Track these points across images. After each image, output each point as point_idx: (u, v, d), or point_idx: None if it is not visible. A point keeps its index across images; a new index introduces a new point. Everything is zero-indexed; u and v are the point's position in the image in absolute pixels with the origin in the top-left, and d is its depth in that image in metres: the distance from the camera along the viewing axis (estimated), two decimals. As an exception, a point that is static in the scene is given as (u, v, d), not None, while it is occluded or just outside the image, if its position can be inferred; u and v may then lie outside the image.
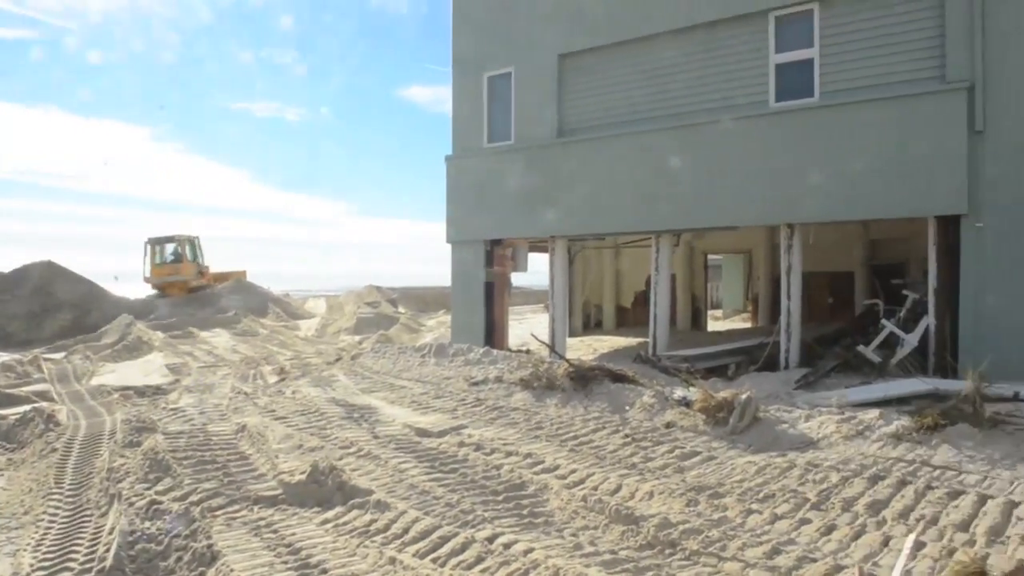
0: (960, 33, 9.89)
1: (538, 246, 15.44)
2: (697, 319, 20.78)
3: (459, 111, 15.22)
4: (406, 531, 4.99)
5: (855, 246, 17.80)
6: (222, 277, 34.41)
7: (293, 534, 5.10)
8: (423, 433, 7.81)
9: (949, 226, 10.07)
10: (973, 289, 9.81)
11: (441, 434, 7.75)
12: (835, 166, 10.74)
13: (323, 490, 5.82)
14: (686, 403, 7.98)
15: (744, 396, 7.40)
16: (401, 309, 31.12)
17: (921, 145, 10.10)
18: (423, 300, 34.63)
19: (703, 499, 5.40)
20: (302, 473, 6.01)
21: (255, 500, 5.79)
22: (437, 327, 23.90)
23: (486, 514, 5.24)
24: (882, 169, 10.37)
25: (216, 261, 35.67)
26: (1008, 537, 4.54)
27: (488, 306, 14.71)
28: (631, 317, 20.81)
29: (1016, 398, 7.63)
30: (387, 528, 5.08)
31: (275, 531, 5.17)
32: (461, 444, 7.27)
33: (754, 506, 5.24)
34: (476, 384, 10.30)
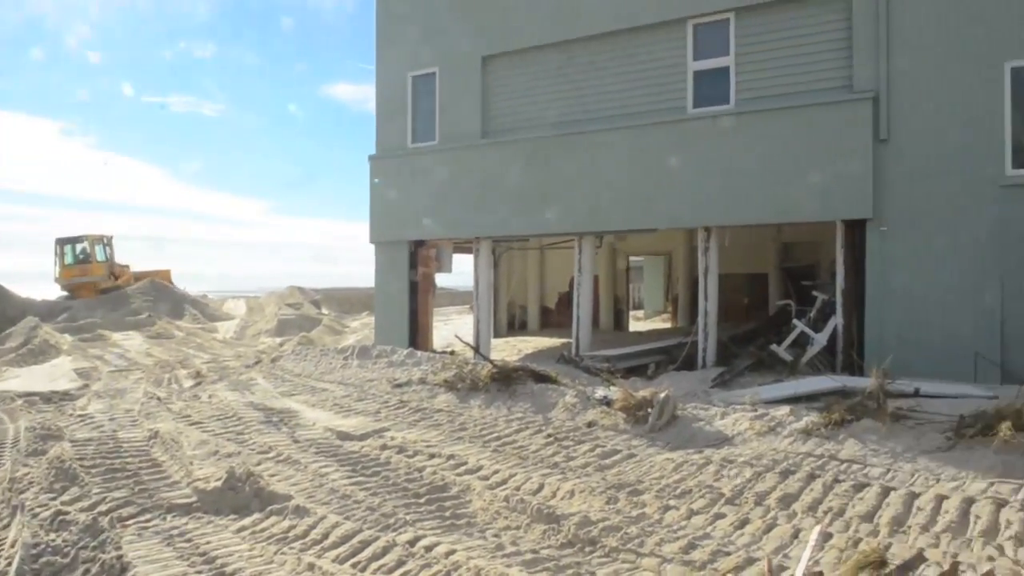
0: (866, 46, 10.36)
1: (463, 247, 15.43)
2: (619, 320, 21.13)
3: (383, 110, 15.09)
4: (326, 536, 4.92)
5: (769, 249, 18.41)
6: (144, 277, 33.12)
7: (208, 543, 4.96)
8: (345, 436, 7.71)
9: (855, 230, 10.54)
10: (877, 290, 10.29)
11: (363, 437, 7.67)
12: (750, 171, 11.10)
13: (240, 497, 5.68)
14: (607, 402, 8.11)
15: (663, 395, 7.58)
16: (324, 310, 30.59)
17: (830, 152, 10.54)
18: (347, 301, 34.12)
19: (623, 496, 5.50)
20: (218, 480, 5.85)
21: (168, 508, 5.61)
22: (361, 329, 23.60)
23: (408, 517, 5.21)
24: (794, 175, 10.77)
25: (137, 261, 34.37)
26: (909, 527, 4.78)
27: (412, 307, 14.63)
28: (555, 318, 21.00)
29: (917, 394, 8.06)
30: (306, 534, 5.00)
31: (189, 540, 5.02)
32: (384, 447, 7.21)
33: (672, 502, 5.37)
34: (400, 386, 10.24)
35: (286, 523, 5.18)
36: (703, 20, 11.66)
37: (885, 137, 10.22)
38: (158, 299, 30.36)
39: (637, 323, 23.68)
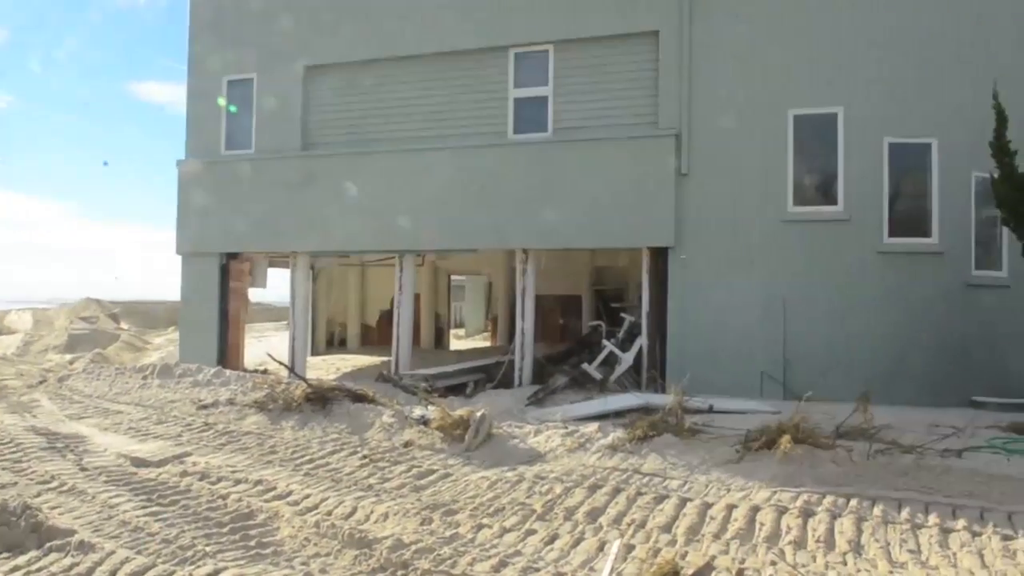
0: (670, 87, 11.18)
1: (279, 261, 14.86)
2: (440, 338, 21.21)
3: (195, 114, 14.26)
4: (113, 573, 4.50)
5: (583, 272, 19.23)
6: None
7: (-31, 588, 4.39)
8: (140, 463, 7.13)
9: (659, 257, 11.28)
10: (677, 313, 11.05)
11: (161, 463, 7.13)
12: (565, 198, 11.58)
13: (14, 533, 5.08)
14: (424, 422, 8.08)
15: (479, 414, 7.67)
16: (124, 325, 28.30)
17: (637, 183, 11.23)
18: (150, 316, 31.74)
19: (437, 517, 5.48)
20: (-15, 515, 5.20)
21: (-80, 551, 4.90)
22: (166, 345, 22.01)
23: (208, 548, 4.89)
24: (605, 203, 11.36)
25: None
26: (703, 535, 5.12)
27: (222, 323, 13.85)
28: (376, 336, 20.70)
29: (711, 410, 8.71)
30: (91, 572, 4.55)
31: (-55, 586, 4.42)
32: (184, 473, 6.75)
33: (485, 520, 5.42)
34: (205, 407, 9.65)
35: (67, 560, 4.70)
36: (524, 49, 12.07)
37: (686, 172, 11.05)
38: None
39: (458, 342, 23.86)
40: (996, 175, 8.65)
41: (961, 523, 5.06)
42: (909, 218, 10.51)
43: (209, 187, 13.95)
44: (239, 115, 13.88)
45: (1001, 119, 8.59)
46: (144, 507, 5.77)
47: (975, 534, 4.91)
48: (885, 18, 10.58)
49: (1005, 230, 9.37)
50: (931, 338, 10.22)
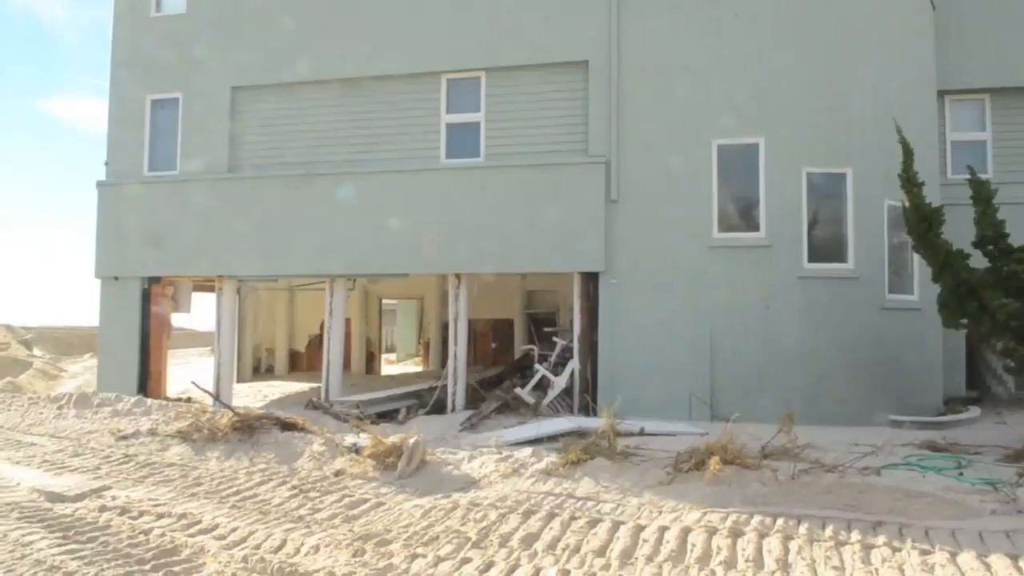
0: (600, 115, 11.43)
1: (204, 286, 14.47)
2: (371, 363, 20.95)
3: (116, 134, 13.84)
4: (26, 618, 4.27)
5: (515, 296, 19.34)
6: None
7: None
8: (56, 498, 6.80)
9: (590, 281, 11.44)
10: (608, 337, 11.21)
11: (78, 498, 6.81)
12: (497, 223, 11.67)
13: (-88, 578, 4.78)
14: (356, 450, 7.95)
15: (412, 440, 7.59)
16: (37, 352, 27.02)
17: (568, 209, 11.40)
18: (66, 342, 30.47)
19: (370, 548, 5.39)
20: None
21: None
22: (83, 373, 21.15)
23: (130, 587, 4.69)
24: (536, 228, 11.49)
25: None
26: (636, 558, 5.17)
27: (143, 350, 13.37)
28: (305, 362, 20.34)
29: (642, 432, 8.83)
30: (1, 617, 4.31)
31: None
32: (103, 508, 6.46)
33: (419, 550, 5.36)
34: (125, 438, 9.27)
35: (-26, 606, 4.43)
36: (456, 76, 12.17)
37: (616, 198, 11.27)
38: None
39: (390, 367, 23.62)
40: (906, 204, 9.10)
41: (882, 539, 5.24)
42: (827, 244, 10.95)
43: (131, 209, 13.52)
44: (164, 135, 13.53)
45: (907, 152, 9.05)
46: (60, 544, 5.49)
47: (895, 549, 5.09)
48: (803, 55, 11.07)
49: (916, 256, 9.85)
50: (849, 360, 10.63)
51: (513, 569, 5.00)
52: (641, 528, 5.66)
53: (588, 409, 10.93)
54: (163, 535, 5.71)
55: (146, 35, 13.81)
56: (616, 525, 5.76)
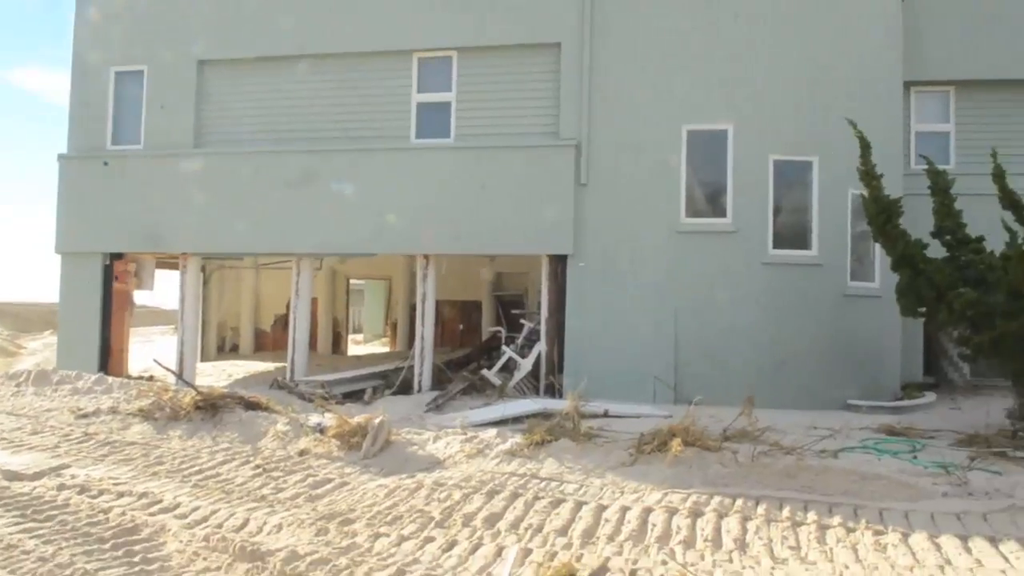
0: (571, 98, 11.42)
1: (168, 262, 14.26)
2: (338, 343, 20.83)
3: (78, 106, 13.52)
4: (-19, 596, 4.22)
5: (483, 277, 19.30)
6: None
7: None
8: (13, 476, 6.69)
9: (559, 264, 11.48)
10: (575, 319, 11.28)
11: (37, 476, 6.71)
12: (466, 204, 11.64)
13: None
14: (321, 429, 7.93)
15: (378, 420, 7.58)
16: (-8, 328, 26.47)
17: (538, 191, 11.41)
18: (24, 318, 29.85)
19: (333, 527, 5.40)
20: None
21: None
22: (43, 350, 20.79)
23: (89, 566, 4.65)
24: (506, 210, 11.48)
25: None
26: (598, 537, 5.24)
27: (105, 327, 13.16)
28: (271, 341, 20.15)
29: (606, 414, 8.92)
30: (-45, 595, 4.25)
31: None
32: (62, 487, 6.37)
33: (383, 529, 5.38)
34: (85, 416, 9.13)
35: (-73, 584, 4.37)
36: (428, 55, 12.06)
37: (585, 182, 11.30)
38: None
39: (357, 347, 23.51)
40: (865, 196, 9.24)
41: (837, 520, 5.37)
42: (791, 231, 11.10)
43: (93, 183, 13.23)
44: (128, 108, 13.25)
45: (864, 145, 9.17)
46: (18, 523, 5.43)
47: (849, 530, 5.23)
48: (772, 43, 11.15)
49: (877, 245, 10.03)
50: (810, 345, 10.81)
51: (476, 548, 5.04)
52: (603, 508, 5.74)
53: (554, 391, 11.00)
54: (123, 514, 5.66)
55: (110, 6, 13.46)
56: (579, 505, 5.83)
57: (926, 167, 9.15)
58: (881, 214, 8.90)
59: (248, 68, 12.90)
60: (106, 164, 12.98)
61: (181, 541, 5.10)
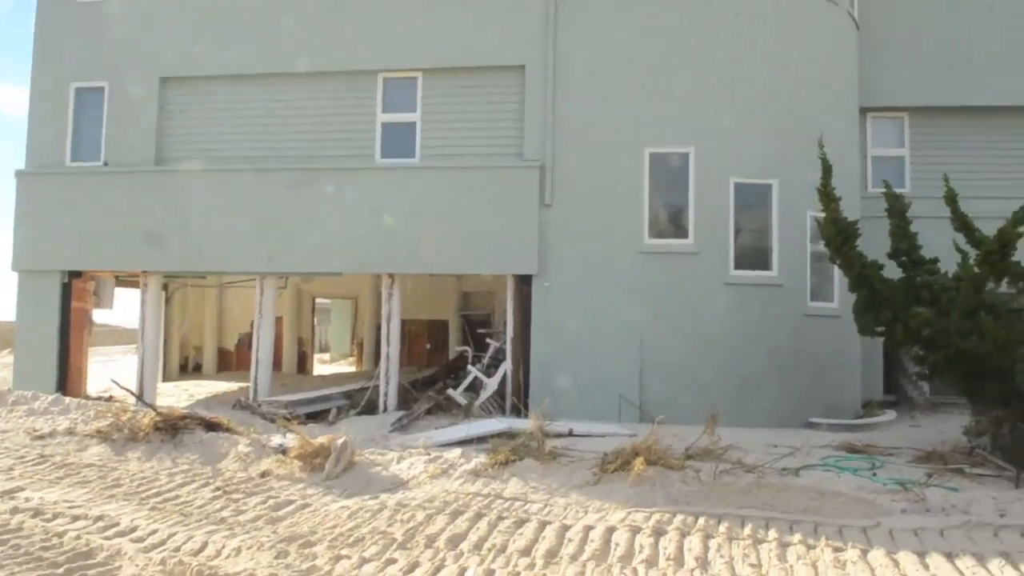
0: (535, 121, 11.56)
1: (128, 280, 14.03)
2: (303, 363, 20.62)
3: (37, 121, 13.31)
4: (-74, 625, 4.09)
5: (450, 297, 19.30)
6: None
7: None
8: (-37, 500, 6.50)
9: (524, 284, 11.53)
10: (540, 339, 11.32)
11: (-12, 500, 6.53)
12: (431, 224, 11.66)
13: None
14: (283, 450, 7.83)
15: (340, 441, 7.51)
16: (-56, 348, 25.75)
17: (503, 212, 11.48)
18: (-23, 337, 29.05)
19: (293, 549, 5.32)
20: None
21: None
22: (-3, 370, 20.21)
23: (40, 592, 4.53)
24: (471, 229, 11.53)
25: None
26: (561, 557, 5.23)
27: (63, 347, 12.88)
28: (235, 360, 19.88)
29: (570, 434, 8.94)
30: (-102, 624, 4.11)
31: None
32: (15, 510, 6.21)
33: (344, 551, 5.32)
34: (41, 438, 8.91)
35: None
36: (393, 75, 12.11)
37: (550, 202, 11.40)
38: None
39: (323, 366, 23.29)
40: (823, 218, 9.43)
41: (797, 537, 5.44)
42: (752, 252, 11.29)
43: (52, 200, 13.02)
44: (88, 124, 13.08)
45: (826, 168, 9.37)
46: (-35, 549, 5.27)
47: (810, 547, 5.29)
48: (732, 68, 11.38)
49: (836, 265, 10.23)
50: (771, 364, 10.97)
51: (438, 570, 5.01)
52: (567, 528, 5.74)
53: (520, 410, 11.00)
54: (78, 538, 5.52)
55: (70, 21, 13.31)
56: (542, 525, 5.82)
57: (884, 191, 9.37)
58: (839, 236, 9.08)
59: (211, 86, 12.82)
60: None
61: (137, 565, 5.00)
